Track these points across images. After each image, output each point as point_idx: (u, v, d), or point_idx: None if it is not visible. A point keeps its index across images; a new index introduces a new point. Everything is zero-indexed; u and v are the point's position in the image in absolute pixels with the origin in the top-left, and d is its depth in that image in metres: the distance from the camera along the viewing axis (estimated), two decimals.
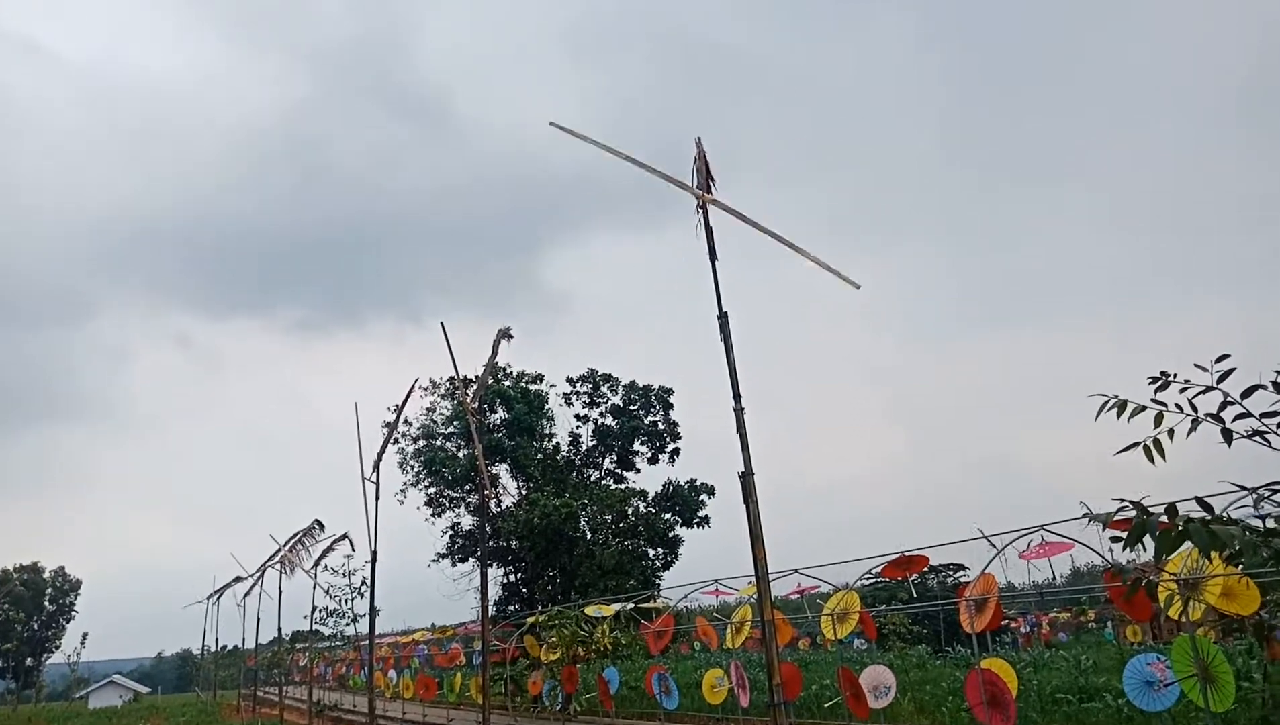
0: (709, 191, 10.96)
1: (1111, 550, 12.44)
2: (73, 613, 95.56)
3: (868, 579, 18.44)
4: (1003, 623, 30.40)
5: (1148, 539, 3.52)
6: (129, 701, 69.68)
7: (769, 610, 9.71)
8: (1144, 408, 3.65)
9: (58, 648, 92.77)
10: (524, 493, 38.41)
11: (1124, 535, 3.69)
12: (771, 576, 9.89)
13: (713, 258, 10.76)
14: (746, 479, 9.90)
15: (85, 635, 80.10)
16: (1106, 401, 3.75)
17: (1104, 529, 3.92)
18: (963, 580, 29.93)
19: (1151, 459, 3.65)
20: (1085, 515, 3.79)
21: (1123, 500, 3.48)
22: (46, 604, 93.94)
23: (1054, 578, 41.26)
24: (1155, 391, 3.66)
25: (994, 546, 13.34)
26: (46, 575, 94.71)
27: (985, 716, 12.63)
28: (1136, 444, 3.70)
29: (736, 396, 10.08)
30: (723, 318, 10.45)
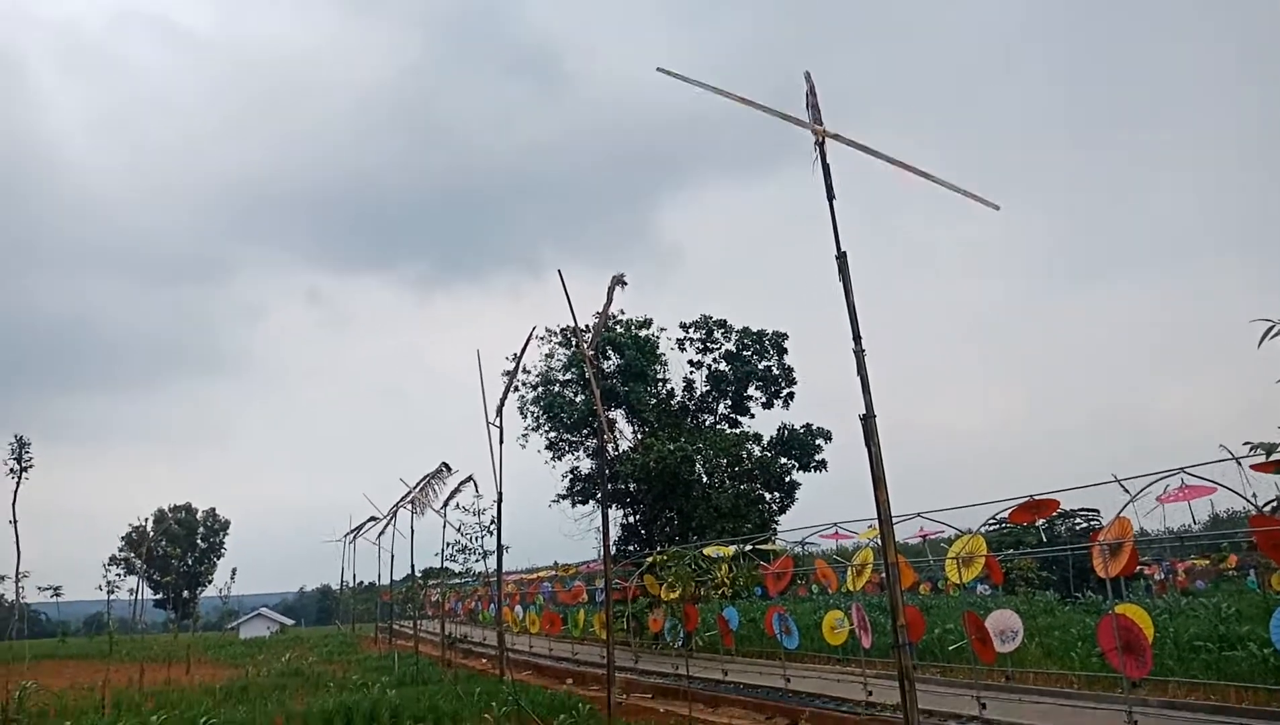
0: (821, 126, 10.68)
1: (1255, 494, 11.80)
2: (223, 550, 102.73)
3: (992, 524, 18.04)
4: (1136, 569, 29.29)
5: None
6: (276, 633, 74.60)
7: (892, 553, 9.65)
8: None
9: (210, 582, 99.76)
10: (639, 437, 38.90)
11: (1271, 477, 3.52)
12: (894, 520, 9.79)
13: (830, 196, 10.51)
14: (868, 421, 9.78)
15: (234, 570, 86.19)
16: (1271, 327, 3.55)
17: (1269, 458, 3.74)
18: (1094, 526, 28.91)
19: None
20: (1249, 446, 3.62)
21: None
22: (199, 542, 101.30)
23: (1192, 523, 39.37)
24: None
25: (1127, 492, 12.85)
26: (199, 515, 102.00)
27: (1119, 663, 12.30)
28: None
29: (856, 337, 9.91)
30: (841, 258, 10.24)
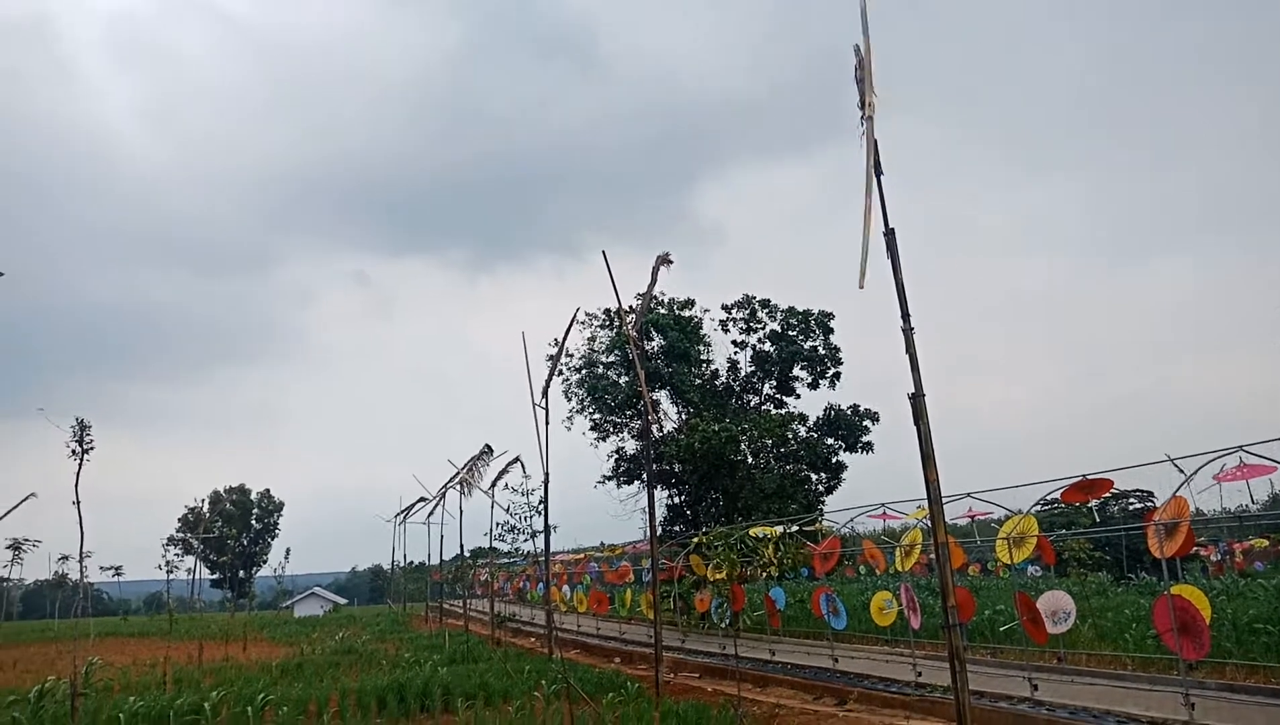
0: (871, 102, 10.49)
1: None
2: (277, 530, 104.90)
3: (1043, 504, 17.77)
4: (1192, 550, 28.70)
5: None
6: (329, 612, 76.12)
7: (942, 533, 9.55)
8: None
9: (265, 562, 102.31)
10: (684, 418, 38.88)
11: None
12: (943, 500, 9.67)
13: (878, 172, 10.35)
14: (917, 400, 9.66)
15: (288, 551, 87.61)
16: None
17: None
18: (1148, 506, 28.33)
19: None
20: None
21: None
22: (254, 523, 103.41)
23: (1250, 503, 38.39)
24: None
25: (1182, 472, 12.56)
26: (253, 497, 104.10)
27: (1176, 644, 12.07)
28: None
29: (905, 316, 9.77)
30: (890, 234, 10.09)
